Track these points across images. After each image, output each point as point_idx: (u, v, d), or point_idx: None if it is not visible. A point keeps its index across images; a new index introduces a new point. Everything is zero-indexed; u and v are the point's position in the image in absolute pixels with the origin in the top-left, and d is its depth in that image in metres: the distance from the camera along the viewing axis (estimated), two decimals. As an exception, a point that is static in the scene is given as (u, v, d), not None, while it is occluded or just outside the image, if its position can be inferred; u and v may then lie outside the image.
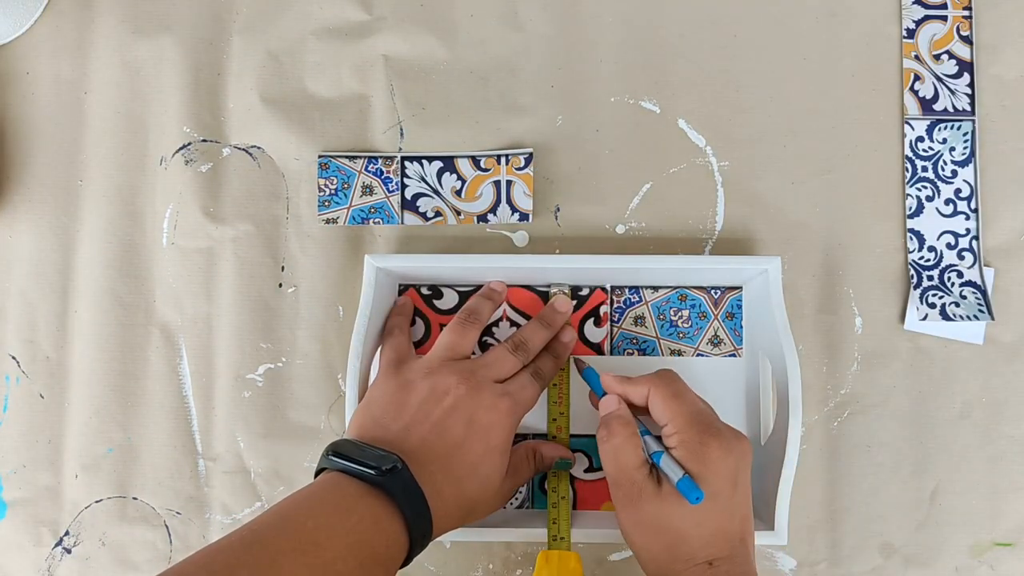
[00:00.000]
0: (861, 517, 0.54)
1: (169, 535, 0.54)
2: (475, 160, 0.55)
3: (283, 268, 0.55)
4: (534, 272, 0.52)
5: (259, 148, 0.56)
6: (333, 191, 0.55)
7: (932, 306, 0.54)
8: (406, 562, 0.42)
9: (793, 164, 0.56)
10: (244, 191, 0.56)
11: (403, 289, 0.54)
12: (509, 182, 0.55)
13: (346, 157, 0.55)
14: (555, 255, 0.54)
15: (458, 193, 0.55)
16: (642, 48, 0.56)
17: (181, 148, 0.56)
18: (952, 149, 0.55)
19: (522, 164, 0.55)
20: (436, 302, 0.54)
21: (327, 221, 0.55)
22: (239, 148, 0.56)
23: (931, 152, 0.55)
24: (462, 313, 0.51)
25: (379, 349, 0.51)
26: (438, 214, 0.55)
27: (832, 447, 0.54)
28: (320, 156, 0.55)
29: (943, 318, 0.53)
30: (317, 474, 0.43)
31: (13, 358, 0.56)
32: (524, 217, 0.55)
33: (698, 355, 0.54)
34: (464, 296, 0.54)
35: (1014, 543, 0.54)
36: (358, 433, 0.45)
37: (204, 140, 0.56)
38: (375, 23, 0.57)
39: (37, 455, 0.55)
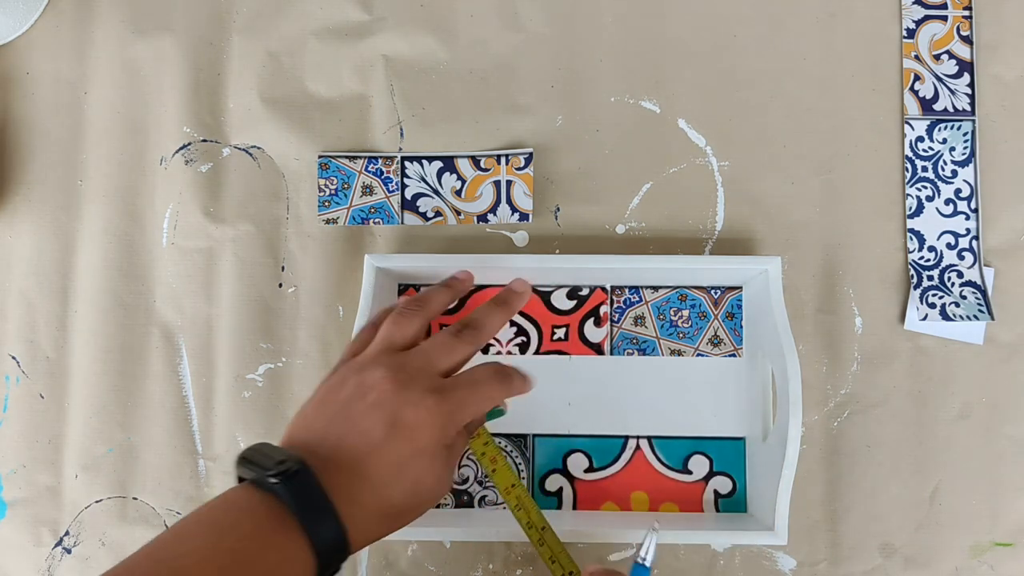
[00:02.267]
0: (861, 517, 0.54)
1: (169, 535, 0.54)
2: (475, 160, 0.55)
3: (283, 268, 0.55)
4: (534, 272, 0.52)
5: (259, 148, 0.56)
6: (333, 191, 0.55)
7: (932, 306, 0.54)
8: (331, 574, 0.37)
9: (793, 164, 0.56)
10: (244, 191, 0.56)
11: (403, 289, 0.54)
12: (509, 182, 0.55)
13: (346, 157, 0.55)
14: (555, 255, 0.54)
15: (458, 193, 0.55)
16: (642, 48, 0.56)
17: (181, 148, 0.56)
18: (952, 149, 0.55)
19: (522, 164, 0.55)
20: (436, 302, 0.54)
21: (327, 221, 0.55)
22: (239, 148, 0.56)
23: (931, 152, 0.55)
24: (405, 301, 0.46)
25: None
26: (438, 214, 0.55)
27: (832, 447, 0.54)
28: (320, 156, 0.55)
29: (943, 318, 0.53)
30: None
31: (13, 358, 0.56)
32: (524, 217, 0.55)
33: (698, 355, 0.54)
34: (464, 296, 0.54)
35: (1014, 543, 0.54)
36: (288, 434, 0.41)
37: (204, 140, 0.56)
38: (375, 23, 0.56)
39: (37, 455, 0.55)
